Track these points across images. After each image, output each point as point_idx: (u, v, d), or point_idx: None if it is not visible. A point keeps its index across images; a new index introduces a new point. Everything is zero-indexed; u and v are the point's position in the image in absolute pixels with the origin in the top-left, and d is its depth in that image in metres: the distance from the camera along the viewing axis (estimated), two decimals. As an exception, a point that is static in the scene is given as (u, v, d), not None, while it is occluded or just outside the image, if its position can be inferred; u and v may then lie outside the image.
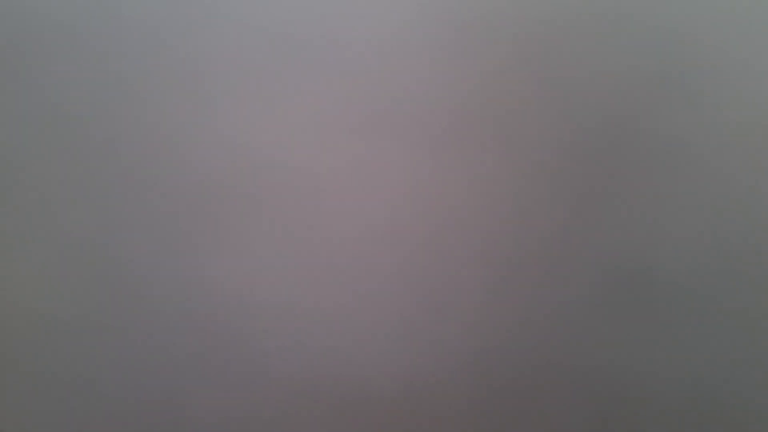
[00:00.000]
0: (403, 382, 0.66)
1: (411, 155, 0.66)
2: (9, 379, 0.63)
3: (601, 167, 0.67)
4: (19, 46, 0.64)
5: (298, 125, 0.66)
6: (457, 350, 0.66)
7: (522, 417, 0.66)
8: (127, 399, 0.64)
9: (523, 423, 0.66)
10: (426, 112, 0.66)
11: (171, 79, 0.65)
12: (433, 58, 0.66)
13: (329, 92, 0.66)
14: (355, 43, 0.66)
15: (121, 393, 0.64)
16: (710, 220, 0.67)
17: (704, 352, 0.67)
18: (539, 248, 0.67)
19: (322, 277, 0.66)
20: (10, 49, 0.64)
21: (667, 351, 0.67)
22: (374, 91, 0.66)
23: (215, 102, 0.65)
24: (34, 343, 0.63)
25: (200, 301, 0.65)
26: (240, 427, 0.65)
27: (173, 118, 0.65)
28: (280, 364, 0.65)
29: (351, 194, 0.66)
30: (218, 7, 0.65)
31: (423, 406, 0.66)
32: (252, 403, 0.65)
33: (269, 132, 0.65)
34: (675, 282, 0.67)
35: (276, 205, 0.65)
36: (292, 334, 0.65)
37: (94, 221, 0.64)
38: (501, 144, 0.67)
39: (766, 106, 0.68)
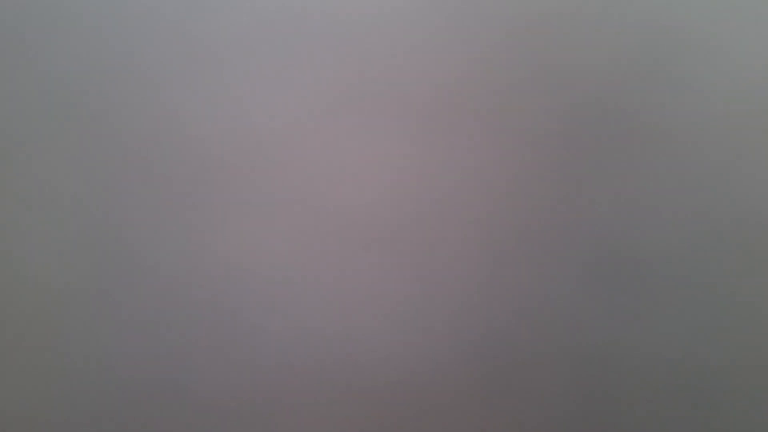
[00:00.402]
0: (398, 364, 0.66)
1: (401, 139, 0.66)
2: (12, 351, 0.63)
3: (591, 151, 0.67)
4: (24, 31, 0.64)
5: (293, 108, 0.66)
6: (450, 333, 0.66)
7: (516, 397, 0.66)
8: (125, 373, 0.64)
9: (516, 403, 0.66)
10: (416, 97, 0.66)
11: (162, 61, 0.65)
12: (423, 43, 0.66)
13: (320, 77, 0.66)
14: (345, 28, 0.66)
15: (120, 366, 0.64)
16: (699, 202, 0.68)
17: (694, 332, 0.67)
18: (531, 231, 0.67)
19: (318, 262, 0.66)
20: (15, 34, 0.64)
21: (660, 331, 0.67)
22: (364, 75, 0.66)
23: (217, 84, 0.65)
24: (39, 315, 0.63)
25: (199, 282, 0.65)
26: (234, 402, 0.65)
27: (172, 99, 0.65)
28: (274, 343, 0.65)
29: (343, 180, 0.66)
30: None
31: (417, 388, 0.66)
32: (245, 382, 0.65)
33: (269, 113, 0.65)
34: (666, 263, 0.67)
35: (273, 187, 0.65)
36: (287, 314, 0.65)
37: (97, 197, 0.64)
38: (492, 129, 0.67)
39: (754, 90, 0.68)
